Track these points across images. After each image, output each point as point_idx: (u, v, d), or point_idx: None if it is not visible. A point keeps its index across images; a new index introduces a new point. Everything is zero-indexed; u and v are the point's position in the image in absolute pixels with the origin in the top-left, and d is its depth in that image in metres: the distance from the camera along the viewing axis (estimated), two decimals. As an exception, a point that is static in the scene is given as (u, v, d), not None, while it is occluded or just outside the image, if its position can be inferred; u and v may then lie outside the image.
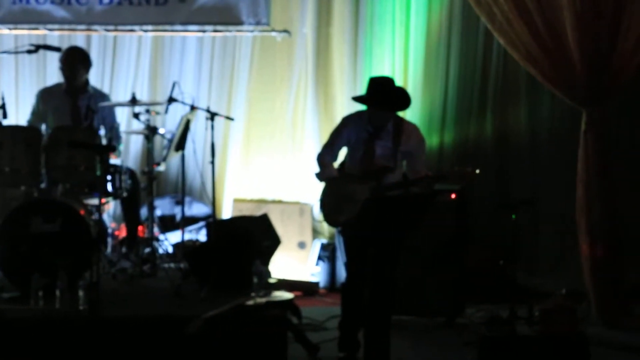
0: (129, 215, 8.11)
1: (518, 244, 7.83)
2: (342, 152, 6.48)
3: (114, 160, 7.75)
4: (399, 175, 6.35)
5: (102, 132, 7.34)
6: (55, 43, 8.34)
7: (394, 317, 6.49)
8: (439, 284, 7.64)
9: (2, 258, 6.76)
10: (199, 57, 9.33)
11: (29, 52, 7.45)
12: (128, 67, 9.29)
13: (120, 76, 9.28)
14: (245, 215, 8.63)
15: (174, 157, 8.37)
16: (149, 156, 7.94)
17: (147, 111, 7.94)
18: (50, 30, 9.09)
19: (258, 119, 9.32)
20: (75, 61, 8.07)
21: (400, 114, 6.50)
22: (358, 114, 6.38)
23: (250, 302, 6.40)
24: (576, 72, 7.75)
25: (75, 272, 6.45)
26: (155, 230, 8.12)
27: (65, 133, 7.15)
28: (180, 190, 8.51)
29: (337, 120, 6.55)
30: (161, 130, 8.10)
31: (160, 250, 7.91)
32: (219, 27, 9.19)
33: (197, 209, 9.13)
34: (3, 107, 7.28)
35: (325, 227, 8.99)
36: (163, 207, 9.03)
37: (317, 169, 6.46)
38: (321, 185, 6.48)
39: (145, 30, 9.18)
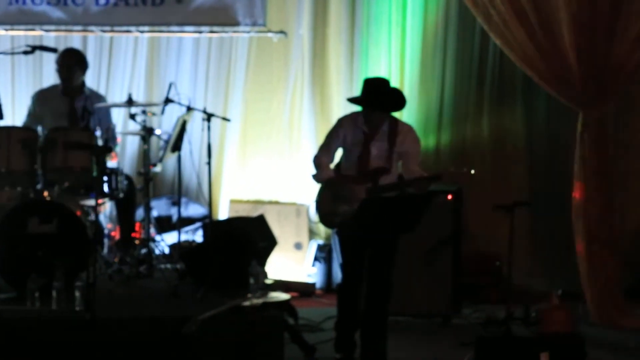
0: (124, 217, 8.11)
1: (514, 244, 7.82)
2: (338, 153, 6.49)
3: (110, 163, 7.74)
4: (394, 176, 6.36)
5: (98, 133, 7.33)
6: (51, 44, 8.34)
7: (390, 318, 6.51)
8: (435, 285, 7.65)
9: (-2, 259, 6.76)
10: (195, 58, 9.32)
11: (25, 53, 7.45)
12: (124, 68, 9.28)
13: (117, 77, 9.27)
14: (241, 216, 8.63)
15: (170, 158, 8.37)
16: (145, 157, 7.94)
17: (144, 112, 7.93)
18: (47, 31, 9.08)
19: (254, 120, 9.32)
20: (72, 63, 8.06)
21: (396, 114, 6.51)
22: (353, 115, 6.38)
23: (247, 303, 6.40)
24: (572, 73, 7.76)
25: (71, 273, 6.45)
26: (152, 231, 8.12)
27: (61, 134, 7.14)
28: (177, 191, 8.51)
29: (334, 121, 6.55)
30: (157, 131, 8.10)
31: (157, 251, 7.91)
32: (215, 28, 9.19)
33: (193, 209, 9.13)
34: (-1, 108, 7.29)
35: (322, 228, 8.99)
36: (159, 208, 9.03)
37: (313, 171, 6.47)
38: (317, 187, 6.49)
39: (142, 31, 9.17)
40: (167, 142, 8.17)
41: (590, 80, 7.76)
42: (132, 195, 8.00)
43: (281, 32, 9.19)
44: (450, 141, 9.16)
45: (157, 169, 8.26)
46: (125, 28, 9.17)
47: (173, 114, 8.60)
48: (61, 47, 8.34)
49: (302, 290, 8.59)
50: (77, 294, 6.26)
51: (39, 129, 7.31)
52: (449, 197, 7.77)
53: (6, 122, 7.45)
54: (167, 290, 6.98)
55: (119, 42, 9.29)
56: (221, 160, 9.26)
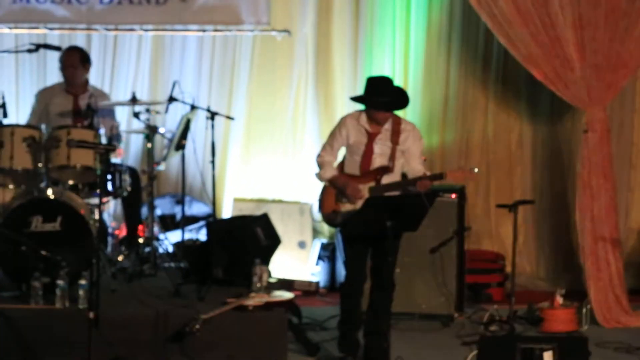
0: (130, 214, 8.12)
1: (518, 243, 7.83)
2: (342, 152, 6.49)
3: (115, 159, 7.75)
4: (397, 175, 6.36)
5: (102, 131, 7.34)
6: (55, 42, 8.33)
7: (393, 317, 6.51)
8: (438, 284, 7.64)
9: (2, 257, 6.75)
10: (199, 57, 9.32)
11: (29, 51, 7.46)
12: (128, 67, 9.28)
13: (121, 75, 9.28)
14: (245, 215, 8.63)
15: (174, 157, 8.38)
16: (149, 155, 7.94)
17: (147, 110, 7.93)
18: (51, 29, 9.09)
19: (258, 119, 9.32)
20: (75, 61, 8.07)
21: (400, 113, 6.51)
22: (357, 113, 6.38)
23: (250, 302, 6.40)
24: (576, 72, 7.76)
25: (75, 271, 6.46)
26: (155, 229, 8.12)
27: (65, 132, 7.15)
28: (181, 190, 8.50)
29: (337, 119, 6.55)
30: (161, 130, 8.11)
31: (161, 250, 7.91)
32: (219, 27, 9.18)
33: (197, 208, 9.13)
34: (3, 106, 7.28)
35: (326, 227, 8.99)
36: (163, 206, 9.03)
37: (316, 169, 6.47)
38: (321, 185, 6.49)
39: (146, 30, 9.17)
40: (171, 140, 8.17)
41: (594, 79, 7.75)
42: (138, 190, 8.00)
43: (285, 31, 9.19)
44: (454, 140, 9.16)
45: (161, 167, 8.26)
46: (129, 26, 9.18)
47: (177, 112, 8.61)
48: (65, 46, 8.34)
49: (305, 289, 8.59)
50: (80, 292, 6.27)
51: (43, 127, 7.31)
52: (453, 196, 7.76)
53: (10, 120, 7.45)
54: (170, 288, 6.98)
55: (123, 41, 9.29)
56: (225, 158, 9.26)
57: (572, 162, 8.82)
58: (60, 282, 6.30)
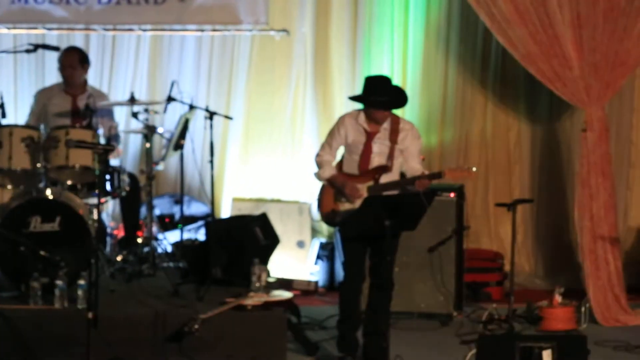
0: (128, 214, 8.12)
1: (517, 242, 7.83)
2: (340, 151, 6.49)
3: (113, 160, 7.75)
4: (396, 174, 6.36)
5: (100, 131, 7.34)
6: (53, 42, 8.33)
7: (392, 316, 6.51)
8: (437, 283, 7.65)
9: (1, 257, 6.75)
10: (198, 56, 9.32)
11: (28, 51, 7.46)
12: (127, 67, 9.28)
13: (119, 75, 9.27)
14: (244, 215, 8.63)
15: (173, 157, 8.38)
16: (147, 155, 7.94)
17: (146, 110, 7.94)
18: (49, 29, 9.08)
19: (257, 118, 9.32)
20: (74, 61, 8.08)
21: (399, 112, 6.51)
22: (355, 113, 6.38)
23: (249, 302, 6.40)
24: (574, 71, 7.76)
25: (74, 272, 6.46)
26: (154, 229, 8.12)
27: (63, 132, 7.15)
28: (179, 190, 8.50)
29: (336, 119, 6.55)
30: (160, 130, 8.11)
31: (159, 250, 7.91)
32: (217, 27, 9.18)
33: (196, 208, 9.13)
34: (2, 106, 7.28)
35: (324, 226, 8.99)
36: (162, 206, 9.03)
37: (315, 169, 6.47)
38: (319, 185, 6.49)
39: (144, 30, 9.17)
40: (169, 140, 8.17)
41: (593, 78, 7.75)
42: (136, 193, 8.01)
43: (283, 30, 9.19)
44: (452, 139, 9.16)
45: (160, 167, 8.27)
46: (127, 26, 9.17)
47: (175, 112, 8.61)
48: (64, 46, 8.34)
49: (304, 288, 8.59)
50: (79, 292, 6.27)
51: (42, 127, 7.31)
52: (452, 195, 7.77)
53: (9, 120, 7.45)
54: (169, 288, 6.98)
55: (121, 41, 9.28)
56: (223, 158, 9.26)
57: (571, 161, 8.83)
58: (59, 283, 6.31)
